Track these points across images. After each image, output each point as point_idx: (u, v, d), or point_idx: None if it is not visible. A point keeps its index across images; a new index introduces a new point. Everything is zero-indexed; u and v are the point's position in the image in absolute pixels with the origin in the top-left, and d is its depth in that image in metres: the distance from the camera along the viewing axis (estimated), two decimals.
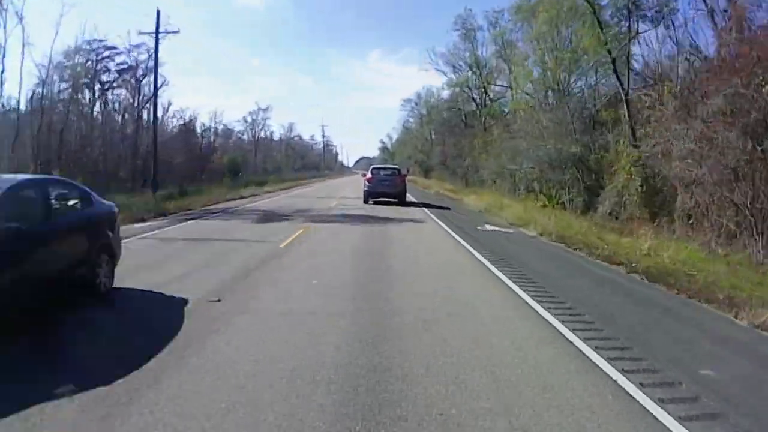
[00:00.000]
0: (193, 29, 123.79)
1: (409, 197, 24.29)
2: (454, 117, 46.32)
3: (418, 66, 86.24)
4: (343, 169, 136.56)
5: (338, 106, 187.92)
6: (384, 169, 24.45)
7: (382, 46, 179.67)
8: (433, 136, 65.54)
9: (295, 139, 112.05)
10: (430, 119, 63.94)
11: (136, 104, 42.62)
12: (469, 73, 39.79)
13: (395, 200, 21.90)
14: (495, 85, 38.63)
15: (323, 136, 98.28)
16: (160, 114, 43.44)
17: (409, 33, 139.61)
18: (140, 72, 39.21)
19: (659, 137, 14.87)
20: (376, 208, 20.87)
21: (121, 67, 38.46)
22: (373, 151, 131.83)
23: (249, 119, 78.88)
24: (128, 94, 42.08)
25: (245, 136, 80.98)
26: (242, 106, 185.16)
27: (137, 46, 36.50)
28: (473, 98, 42.41)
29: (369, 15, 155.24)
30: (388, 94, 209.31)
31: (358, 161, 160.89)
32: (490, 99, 39.34)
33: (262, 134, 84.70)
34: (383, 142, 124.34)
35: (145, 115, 40.12)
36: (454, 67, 42.44)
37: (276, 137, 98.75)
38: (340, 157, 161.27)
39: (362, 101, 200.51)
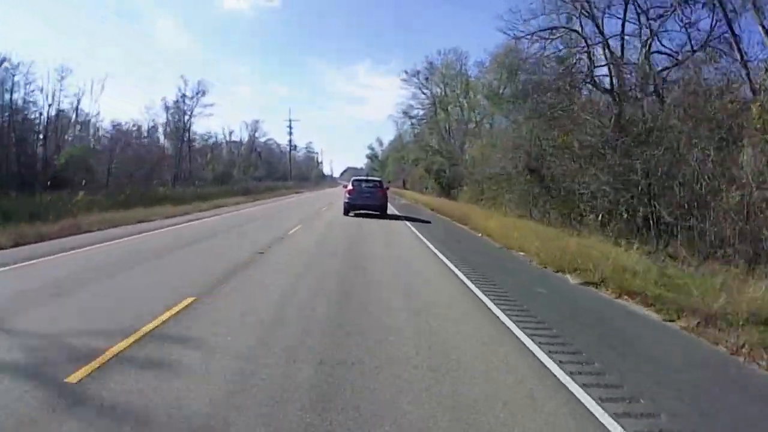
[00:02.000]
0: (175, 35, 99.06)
1: None
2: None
3: None
4: (321, 180, 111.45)
5: (325, 117, 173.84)
6: (366, 181, 23.15)
7: (371, 58, 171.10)
8: (449, 129, 40.06)
9: (267, 142, 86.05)
10: (450, 97, 38.43)
11: None
12: None
13: (377, 212, 20.33)
14: None
15: (290, 133, 71.85)
16: None
17: (399, 45, 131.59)
18: None
19: None
20: None
21: None
22: (361, 161, 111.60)
23: (173, 105, 52.07)
24: None
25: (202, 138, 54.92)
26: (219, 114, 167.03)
27: None
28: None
29: (358, 25, 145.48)
30: (377, 106, 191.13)
31: (344, 171, 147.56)
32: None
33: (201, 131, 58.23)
34: (372, 149, 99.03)
35: None
36: None
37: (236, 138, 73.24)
38: (325, 167, 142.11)
39: (351, 112, 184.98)
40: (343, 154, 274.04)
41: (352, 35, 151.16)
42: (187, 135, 58.67)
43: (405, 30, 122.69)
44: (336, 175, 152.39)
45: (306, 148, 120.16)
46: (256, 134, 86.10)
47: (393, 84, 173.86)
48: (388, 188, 24.36)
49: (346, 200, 20.50)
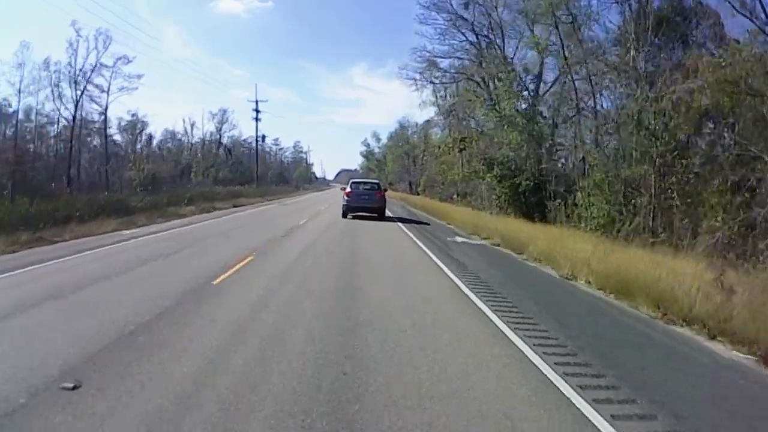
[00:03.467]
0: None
1: None
2: None
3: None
4: (308, 183, 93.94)
5: (320, 119, 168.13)
6: (364, 183, 23.47)
7: (367, 60, 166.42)
8: (519, 85, 21.56)
9: (248, 141, 67.05)
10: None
11: None
12: None
13: (375, 215, 20.70)
14: None
15: (256, 118, 52.35)
16: None
17: (395, 46, 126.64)
18: None
19: None
20: None
21: None
22: (356, 162, 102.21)
23: (67, 73, 32.79)
24: None
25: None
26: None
27: None
28: None
29: (354, 27, 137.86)
30: (373, 110, 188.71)
31: (338, 173, 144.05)
32: None
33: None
34: (367, 145, 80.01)
35: None
36: None
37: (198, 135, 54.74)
38: (317, 168, 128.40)
39: (346, 114, 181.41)
40: (338, 156, 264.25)
41: (347, 37, 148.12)
42: (103, 119, 40.11)
43: (400, 31, 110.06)
44: (330, 177, 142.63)
45: (294, 147, 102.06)
46: (224, 127, 66.84)
47: (387, 89, 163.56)
48: (386, 190, 24.81)
49: (345, 202, 21.05)
